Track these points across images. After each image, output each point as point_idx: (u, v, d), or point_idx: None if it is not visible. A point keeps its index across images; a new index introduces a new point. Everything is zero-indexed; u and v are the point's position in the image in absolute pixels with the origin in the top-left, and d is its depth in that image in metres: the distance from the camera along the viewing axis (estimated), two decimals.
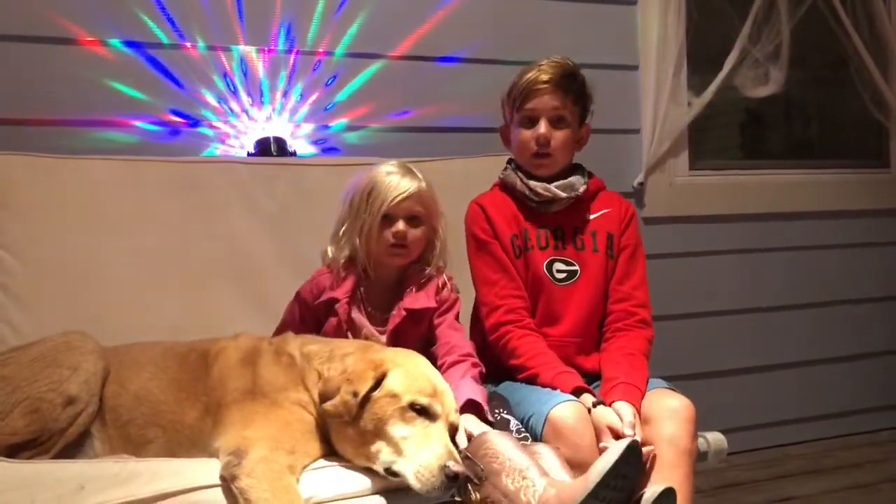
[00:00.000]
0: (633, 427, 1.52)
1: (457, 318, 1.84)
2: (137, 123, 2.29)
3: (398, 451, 1.38)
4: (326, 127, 2.48)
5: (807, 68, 3.24)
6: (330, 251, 1.83)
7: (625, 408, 1.56)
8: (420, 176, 1.80)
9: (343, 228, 1.81)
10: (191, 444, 1.50)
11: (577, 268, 1.83)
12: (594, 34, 2.79)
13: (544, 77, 1.81)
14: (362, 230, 1.77)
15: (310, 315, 1.84)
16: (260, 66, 2.40)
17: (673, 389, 1.67)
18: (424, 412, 1.42)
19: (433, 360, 1.75)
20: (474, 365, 1.71)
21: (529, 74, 1.83)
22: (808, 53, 3.17)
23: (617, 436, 1.51)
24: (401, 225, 1.75)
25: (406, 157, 2.17)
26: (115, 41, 2.26)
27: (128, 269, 2.02)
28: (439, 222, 1.84)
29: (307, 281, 1.86)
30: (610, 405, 1.58)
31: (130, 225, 2.04)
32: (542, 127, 1.81)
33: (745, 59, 2.96)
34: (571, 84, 1.83)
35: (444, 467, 1.33)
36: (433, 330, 1.81)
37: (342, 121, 2.49)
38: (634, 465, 1.35)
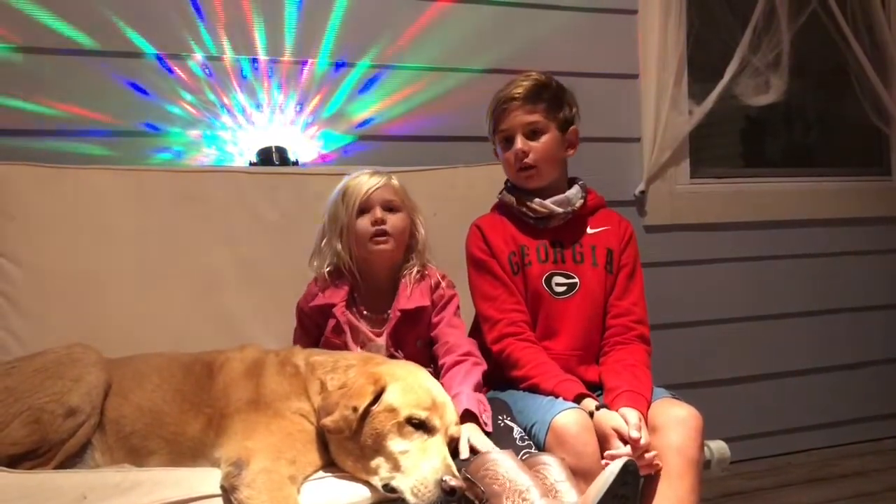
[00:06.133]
0: (640, 430, 1.51)
1: (456, 313, 1.83)
2: (136, 130, 2.29)
3: (396, 466, 1.38)
4: (328, 136, 2.48)
5: (807, 76, 3.25)
6: (315, 265, 1.84)
7: (630, 413, 1.55)
8: (390, 176, 1.83)
9: (324, 241, 1.83)
10: (193, 454, 1.51)
11: (576, 280, 1.83)
12: (595, 43, 2.80)
13: (513, 94, 1.83)
14: (342, 233, 1.78)
15: (310, 323, 1.85)
16: (262, 75, 2.41)
17: (678, 399, 1.67)
18: (423, 426, 1.42)
19: (435, 360, 1.77)
20: (475, 364, 1.70)
21: (500, 94, 1.87)
22: (809, 62, 3.17)
23: (623, 440, 1.50)
24: (378, 212, 1.76)
25: (410, 166, 2.19)
26: (123, 50, 2.27)
27: (130, 278, 2.02)
28: (417, 216, 1.85)
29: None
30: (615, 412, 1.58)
31: (133, 234, 2.04)
32: (519, 142, 1.83)
33: (746, 67, 2.97)
34: (542, 94, 1.84)
35: (440, 481, 1.33)
36: (432, 329, 1.80)
37: (344, 129, 2.50)
38: (632, 484, 1.35)
